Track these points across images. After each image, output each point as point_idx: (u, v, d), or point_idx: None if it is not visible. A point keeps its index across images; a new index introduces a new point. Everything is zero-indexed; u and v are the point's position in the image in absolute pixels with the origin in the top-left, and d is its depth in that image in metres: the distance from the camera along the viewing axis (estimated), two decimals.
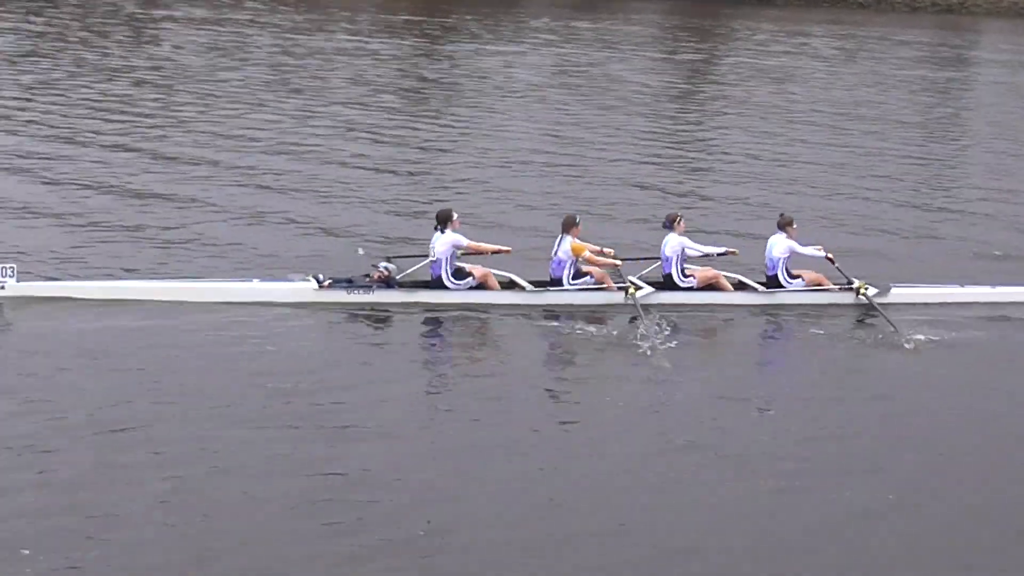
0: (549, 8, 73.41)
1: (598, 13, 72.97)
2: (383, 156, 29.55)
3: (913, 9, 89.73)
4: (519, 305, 18.45)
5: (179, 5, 62.31)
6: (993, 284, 20.55)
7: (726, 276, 19.51)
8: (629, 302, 18.62)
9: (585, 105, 39.76)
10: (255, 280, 18.21)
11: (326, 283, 17.97)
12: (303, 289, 17.93)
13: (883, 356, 17.62)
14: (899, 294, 19.78)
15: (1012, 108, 46.61)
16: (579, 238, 18.86)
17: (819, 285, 19.69)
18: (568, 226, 18.93)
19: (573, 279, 18.92)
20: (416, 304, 18.13)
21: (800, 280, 19.67)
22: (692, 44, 61.61)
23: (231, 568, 10.67)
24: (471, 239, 18.78)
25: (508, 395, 15.25)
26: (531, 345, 17.52)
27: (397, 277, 18.36)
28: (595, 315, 18.43)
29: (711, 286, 19.39)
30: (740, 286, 19.57)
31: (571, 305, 18.68)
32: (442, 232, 18.48)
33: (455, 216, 18.57)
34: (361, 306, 17.89)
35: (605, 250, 19.00)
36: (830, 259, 19.65)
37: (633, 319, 18.15)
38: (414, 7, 67.61)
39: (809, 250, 19.55)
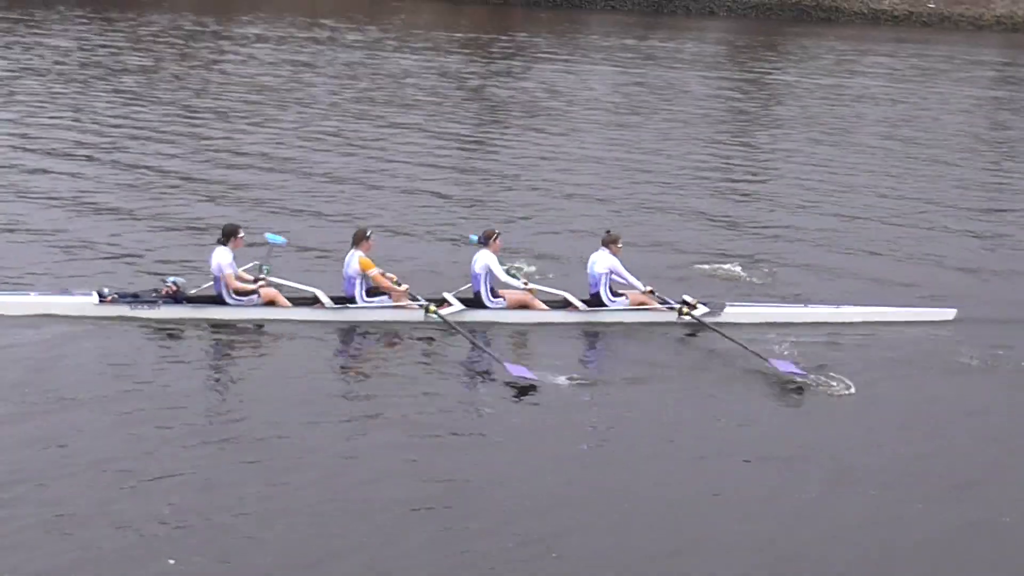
0: (615, 26, 73.16)
1: (663, 31, 72.66)
2: (447, 174, 29.61)
3: (978, 27, 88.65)
4: (312, 322, 17.80)
5: (243, 22, 62.66)
6: (838, 304, 19.89)
7: (554, 291, 18.85)
8: (432, 319, 17.88)
9: (647, 124, 39.47)
10: (32, 294, 17.78)
11: (108, 298, 17.52)
12: (83, 303, 17.49)
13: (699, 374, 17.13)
14: (734, 313, 19.15)
15: None
16: (369, 254, 18.16)
17: (643, 305, 18.84)
18: (357, 240, 18.15)
19: (367, 296, 18.16)
20: (203, 320, 17.56)
21: (624, 299, 18.81)
22: (759, 62, 60.80)
23: None
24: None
25: (242, 411, 14.69)
26: (304, 361, 16.59)
27: (187, 292, 17.91)
28: (389, 333, 17.73)
29: (524, 307, 18.62)
30: (564, 304, 18.85)
31: (366, 322, 17.95)
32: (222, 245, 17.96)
33: (240, 234, 17.97)
34: (143, 321, 17.36)
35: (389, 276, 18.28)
36: (651, 291, 18.87)
37: (430, 338, 17.65)
38: (478, 26, 67.57)
39: (631, 278, 18.71)
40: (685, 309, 18.69)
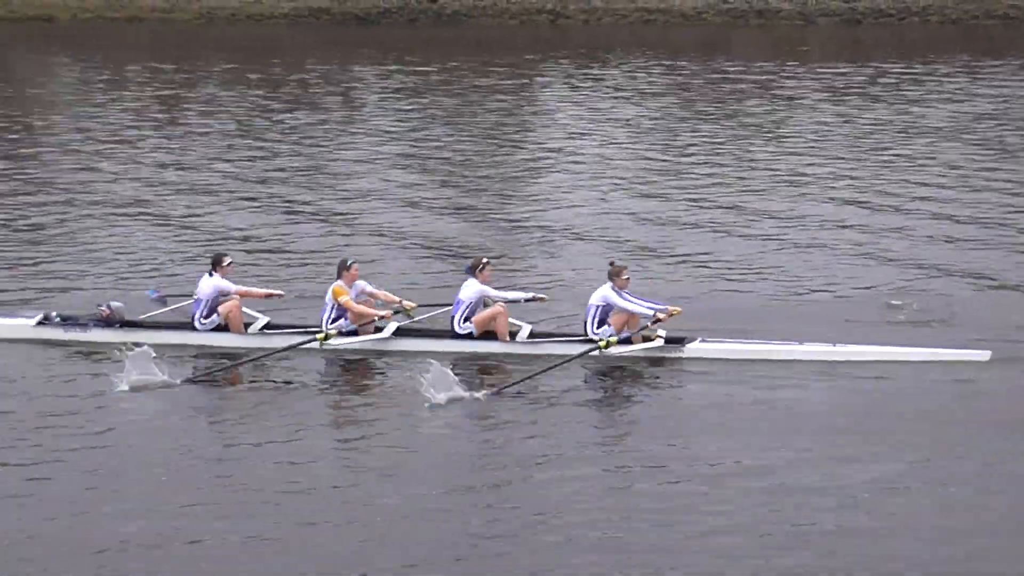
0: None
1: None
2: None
3: None
4: (240, 348, 18.23)
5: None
6: (834, 343, 18.39)
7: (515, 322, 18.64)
8: (323, 347, 18.17)
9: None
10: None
11: (40, 319, 18.03)
12: (20, 325, 17.99)
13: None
14: (699, 349, 18.27)
15: None
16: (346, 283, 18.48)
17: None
18: (339, 269, 18.65)
19: (332, 322, 18.48)
20: (133, 344, 17.44)
21: (607, 328, 18.29)
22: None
23: None
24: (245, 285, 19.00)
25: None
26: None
27: (124, 317, 18.33)
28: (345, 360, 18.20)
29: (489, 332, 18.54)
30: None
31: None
32: (210, 275, 18.65)
33: (225, 261, 18.63)
34: (71, 344, 17.88)
35: (405, 303, 18.77)
36: (659, 319, 18.26)
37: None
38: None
39: (633, 306, 18.26)
40: (604, 345, 17.95)
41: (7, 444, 14.47)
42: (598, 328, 18.31)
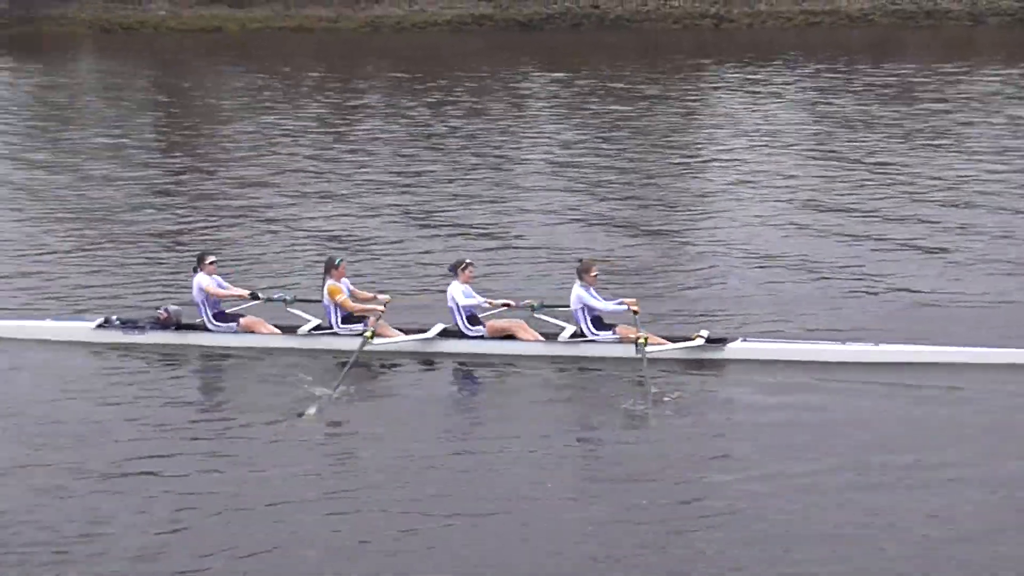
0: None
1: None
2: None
3: None
4: (287, 349, 18.25)
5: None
6: (876, 342, 17.60)
7: (556, 322, 18.26)
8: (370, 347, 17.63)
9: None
10: (48, 320, 18.96)
11: (102, 322, 18.46)
12: (80, 328, 18.48)
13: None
14: (740, 349, 17.48)
15: None
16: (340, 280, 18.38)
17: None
18: (327, 268, 18.47)
19: (343, 323, 18.38)
20: (186, 346, 18.33)
21: (610, 332, 17.74)
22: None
23: None
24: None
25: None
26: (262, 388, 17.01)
27: (180, 320, 18.66)
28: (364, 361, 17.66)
29: (509, 336, 18.09)
30: (555, 335, 18.17)
31: (341, 351, 17.90)
32: (195, 273, 18.73)
33: (208, 260, 18.65)
34: (130, 346, 18.26)
35: (379, 296, 18.71)
36: (635, 312, 17.47)
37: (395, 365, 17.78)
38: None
39: (606, 305, 17.66)
40: (642, 341, 16.94)
41: (89, 443, 14.77)
42: (597, 330, 17.77)
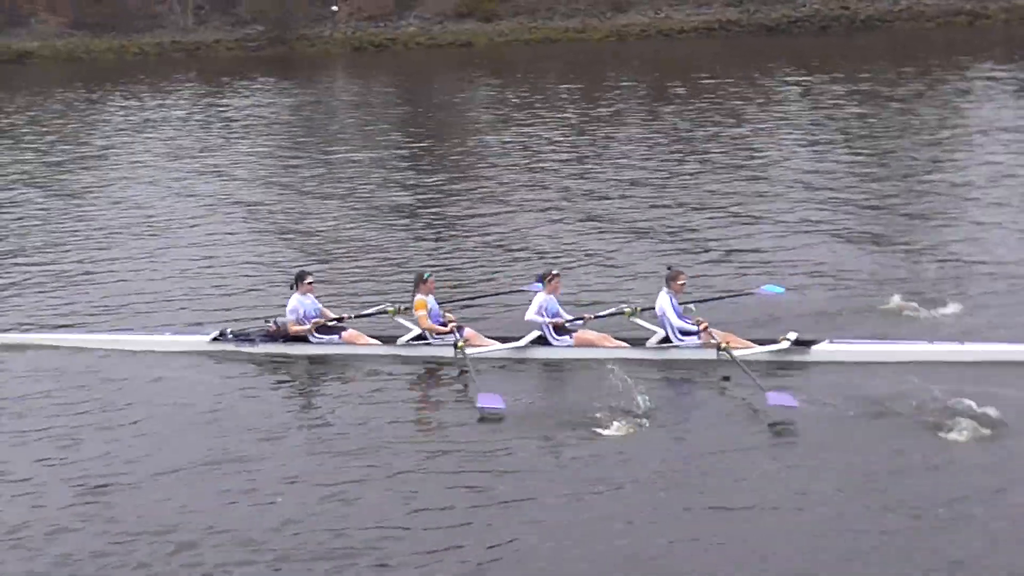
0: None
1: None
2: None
3: None
4: (384, 356, 18.31)
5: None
6: (962, 341, 16.83)
7: (649, 326, 17.78)
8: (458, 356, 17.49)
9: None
10: (167, 333, 19.70)
11: (216, 335, 19.09)
12: (197, 341, 19.22)
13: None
14: (825, 351, 16.86)
15: None
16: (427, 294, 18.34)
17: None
18: (416, 282, 18.57)
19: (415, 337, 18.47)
20: (292, 356, 18.65)
21: (695, 337, 17.24)
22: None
23: None
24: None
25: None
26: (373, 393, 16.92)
27: (288, 332, 18.94)
28: (428, 368, 17.79)
29: (592, 346, 17.76)
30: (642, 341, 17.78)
31: (434, 357, 17.99)
32: (292, 291, 19.03)
33: (307, 279, 19.00)
34: (240, 355, 18.74)
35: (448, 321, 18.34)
36: (705, 328, 17.12)
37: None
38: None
39: (677, 320, 17.33)
40: (724, 346, 16.64)
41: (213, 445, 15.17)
42: (683, 337, 17.37)
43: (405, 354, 18.29)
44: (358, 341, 18.69)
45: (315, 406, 16.72)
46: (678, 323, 17.32)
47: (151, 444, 15.22)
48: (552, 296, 17.97)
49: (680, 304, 17.63)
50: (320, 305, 19.03)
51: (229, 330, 19.24)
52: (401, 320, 18.84)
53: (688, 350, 17.27)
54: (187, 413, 16.29)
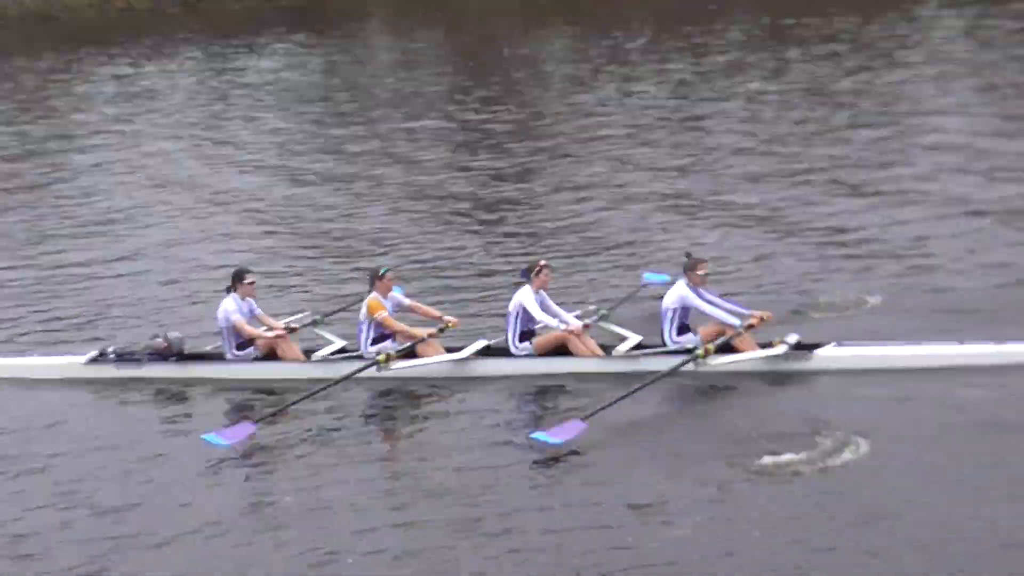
0: None
1: None
2: None
3: None
4: (305, 380, 15.64)
5: None
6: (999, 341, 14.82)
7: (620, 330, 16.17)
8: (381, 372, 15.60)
9: None
10: (34, 354, 17.69)
11: (95, 355, 16.89)
12: (68, 364, 17.06)
13: None
14: (830, 356, 15.08)
15: None
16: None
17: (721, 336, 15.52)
18: (371, 279, 16.40)
19: (372, 343, 16.25)
20: (192, 379, 16.38)
21: (691, 336, 15.62)
22: None
23: None
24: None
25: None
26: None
27: (182, 349, 16.77)
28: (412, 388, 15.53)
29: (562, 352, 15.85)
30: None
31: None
32: (227, 293, 16.61)
33: (247, 278, 16.53)
34: (121, 381, 16.46)
35: (446, 318, 16.41)
36: (752, 325, 15.39)
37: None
38: None
39: (715, 311, 15.46)
40: (702, 352, 14.99)
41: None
42: (679, 336, 15.74)
43: (325, 374, 15.71)
44: (287, 354, 16.42)
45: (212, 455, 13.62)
46: (722, 315, 15.50)
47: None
48: (542, 292, 16.14)
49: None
50: (260, 311, 16.74)
51: (111, 349, 16.98)
52: (321, 332, 16.87)
53: (666, 358, 15.30)
54: (55, 457, 13.96)
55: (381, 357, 15.55)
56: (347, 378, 15.28)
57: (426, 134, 33.90)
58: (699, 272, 15.77)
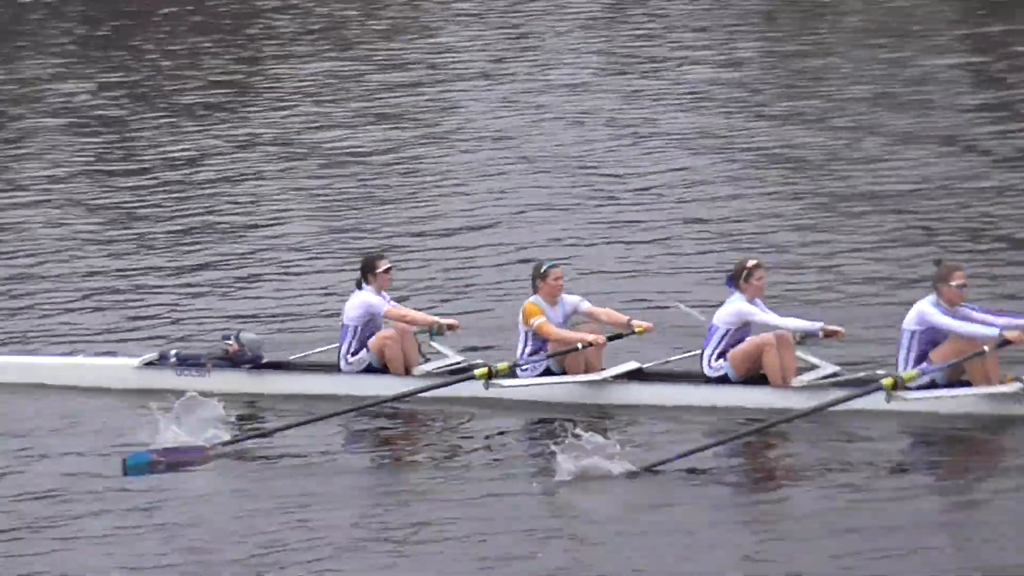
0: None
1: None
2: None
3: None
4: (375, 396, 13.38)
5: None
6: None
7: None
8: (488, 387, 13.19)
9: None
10: (80, 356, 15.29)
11: (152, 359, 14.55)
12: (121, 367, 14.66)
13: None
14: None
15: None
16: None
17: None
18: (533, 279, 13.65)
19: (529, 355, 13.58)
20: (268, 395, 14.03)
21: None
22: None
23: None
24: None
25: None
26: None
27: (259, 355, 14.19)
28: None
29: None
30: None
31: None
32: (359, 289, 13.87)
33: (380, 265, 13.81)
34: (178, 393, 13.27)
35: (634, 322, 13.62)
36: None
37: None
38: None
39: (965, 328, 12.42)
40: (890, 382, 12.24)
41: None
42: (918, 364, 12.67)
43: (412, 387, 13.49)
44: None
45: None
46: (974, 330, 12.54)
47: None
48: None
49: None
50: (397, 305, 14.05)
51: (174, 352, 14.69)
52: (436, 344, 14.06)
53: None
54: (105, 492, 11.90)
55: (481, 371, 13.13)
56: (412, 394, 13.22)
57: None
58: (952, 284, 12.66)
